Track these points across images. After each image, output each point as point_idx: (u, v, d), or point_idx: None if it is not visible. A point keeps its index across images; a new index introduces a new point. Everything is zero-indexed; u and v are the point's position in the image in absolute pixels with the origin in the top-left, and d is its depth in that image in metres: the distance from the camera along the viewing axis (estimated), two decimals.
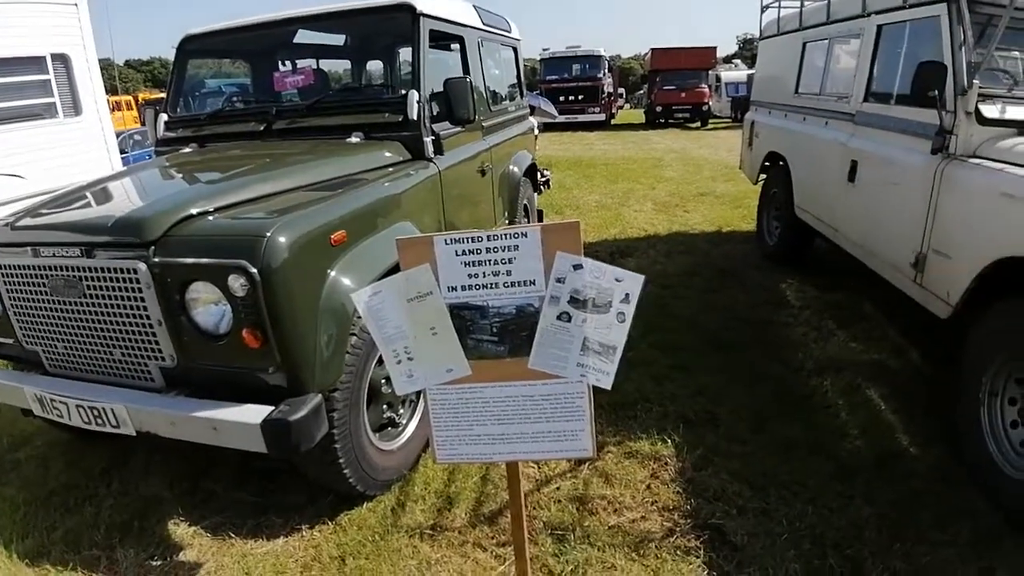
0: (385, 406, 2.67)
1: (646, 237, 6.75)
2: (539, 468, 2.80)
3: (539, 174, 5.99)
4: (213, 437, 2.08)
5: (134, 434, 2.28)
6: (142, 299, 2.14)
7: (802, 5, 5.21)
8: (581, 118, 21.81)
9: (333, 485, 2.51)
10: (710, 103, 23.53)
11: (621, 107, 32.68)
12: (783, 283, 5.04)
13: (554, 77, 22.29)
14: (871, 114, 3.81)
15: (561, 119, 19.94)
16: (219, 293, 2.03)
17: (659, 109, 23.26)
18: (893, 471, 2.68)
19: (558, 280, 1.67)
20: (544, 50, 23.54)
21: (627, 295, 1.63)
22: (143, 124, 18.28)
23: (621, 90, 35.01)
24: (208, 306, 2.10)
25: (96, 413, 2.30)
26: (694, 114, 22.98)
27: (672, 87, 22.85)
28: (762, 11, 6.09)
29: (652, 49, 24.94)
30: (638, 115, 28.56)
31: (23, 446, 3.44)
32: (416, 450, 2.85)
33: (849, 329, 4.09)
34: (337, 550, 2.42)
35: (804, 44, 5.12)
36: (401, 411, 2.79)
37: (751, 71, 25.76)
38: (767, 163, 5.81)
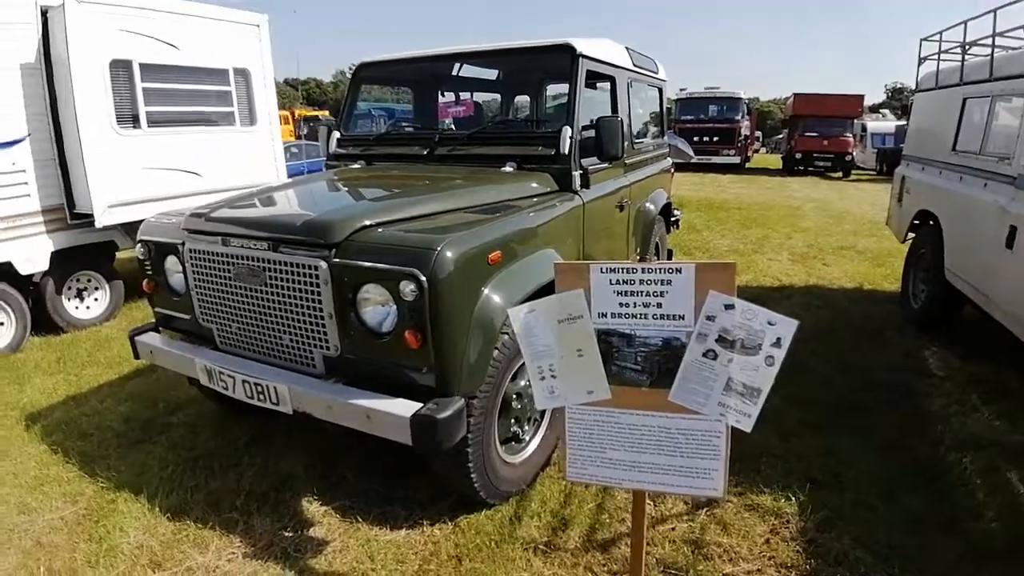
0: (513, 420, 2.80)
1: (780, 287, 6.54)
2: (655, 505, 2.82)
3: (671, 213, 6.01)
4: (365, 424, 2.28)
5: (290, 412, 2.53)
6: (319, 293, 2.40)
7: (963, 60, 4.96)
8: (715, 160, 21.43)
9: (459, 487, 2.66)
10: (854, 153, 22.37)
11: (757, 151, 31.76)
12: (926, 350, 4.74)
13: (689, 117, 22.08)
14: None
15: (694, 160, 19.71)
16: (388, 295, 2.25)
17: (799, 156, 22.40)
18: None
19: (708, 318, 1.73)
20: (681, 90, 23.41)
21: (779, 339, 1.65)
22: (298, 138, 19.92)
23: (758, 133, 34.05)
24: (376, 306, 2.33)
25: (260, 389, 2.58)
26: (836, 163, 21.91)
27: (814, 134, 21.95)
28: (919, 63, 5.84)
29: (795, 94, 24.14)
30: (775, 160, 27.63)
31: (176, 412, 3.87)
32: (535, 468, 2.96)
33: (994, 406, 3.79)
34: (455, 550, 2.55)
35: (964, 100, 4.85)
36: (526, 428, 2.91)
37: (899, 122, 24.29)
38: (917, 221, 5.51)
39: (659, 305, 1.77)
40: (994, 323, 3.92)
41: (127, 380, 4.43)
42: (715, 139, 21.69)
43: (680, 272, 1.74)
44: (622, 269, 1.79)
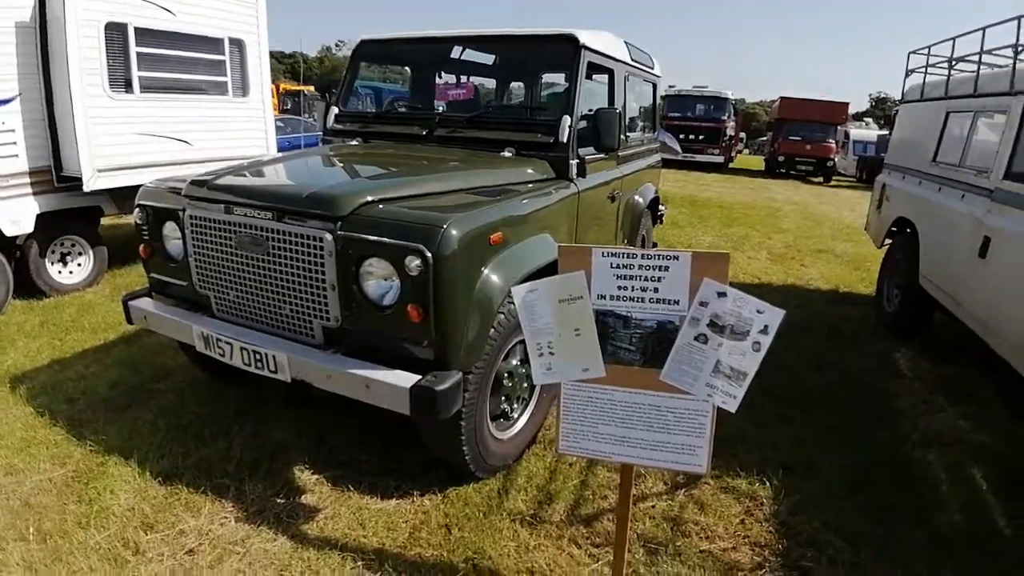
0: (503, 398, 2.89)
1: (759, 285, 6.69)
2: (636, 485, 2.92)
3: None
4: (364, 394, 2.35)
5: (288, 380, 2.58)
6: (322, 265, 2.45)
7: (949, 74, 5.12)
8: (699, 158, 21.66)
9: (450, 459, 2.74)
10: (836, 159, 22.77)
11: (740, 151, 32.10)
12: (897, 351, 4.92)
13: (676, 115, 22.24)
14: (1010, 192, 3.71)
15: (681, 157, 19.93)
16: (391, 270, 2.32)
17: (781, 159, 22.73)
18: (986, 550, 2.63)
19: (701, 303, 1.83)
20: (670, 87, 23.56)
21: (766, 327, 1.76)
22: (282, 112, 19.69)
23: (742, 134, 34.41)
24: (379, 280, 2.39)
25: (258, 357, 2.62)
26: (817, 168, 22.31)
27: (798, 138, 22.29)
28: (906, 75, 6.00)
29: (782, 97, 24.42)
30: (757, 161, 28.00)
31: (164, 379, 3.89)
32: (522, 444, 3.05)
33: (960, 407, 3.97)
34: (444, 519, 2.64)
35: (947, 113, 5.01)
36: (515, 406, 3.00)
37: (881, 131, 24.68)
38: (894, 228, 5.68)
39: (656, 290, 1.87)
40: (964, 328, 4.09)
41: (112, 346, 4.43)
42: (701, 137, 21.91)
43: (677, 259, 1.84)
44: (623, 254, 1.88)
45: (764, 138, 35.59)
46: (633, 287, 1.89)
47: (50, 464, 2.99)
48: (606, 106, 3.78)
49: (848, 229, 10.62)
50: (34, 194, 5.19)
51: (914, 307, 5.08)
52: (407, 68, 5.06)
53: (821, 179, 22.29)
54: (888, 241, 5.87)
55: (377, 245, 2.32)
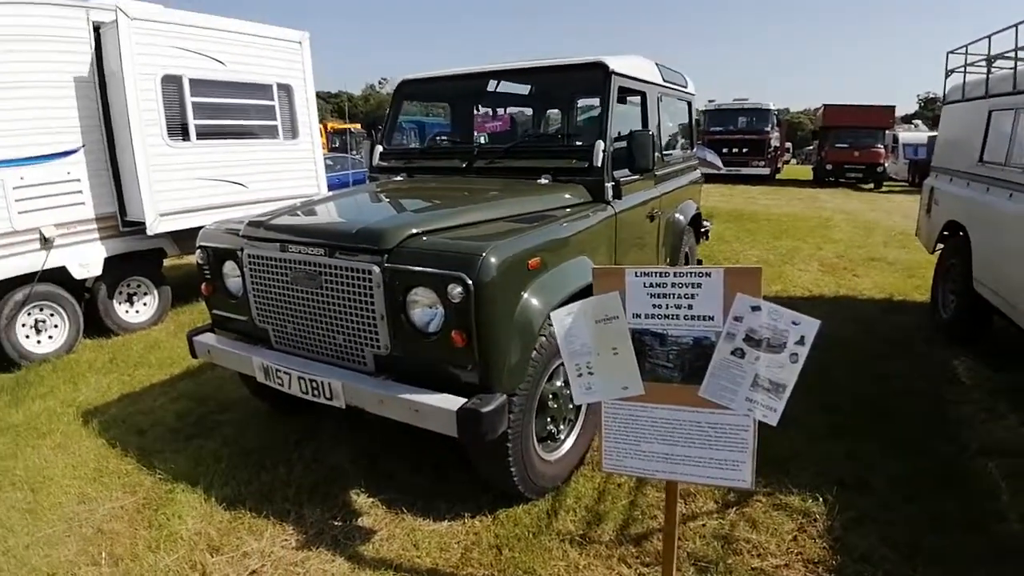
0: (549, 420, 2.94)
1: (810, 298, 6.58)
2: (686, 504, 2.92)
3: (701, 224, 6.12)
4: (413, 417, 2.45)
5: (343, 407, 2.70)
6: (371, 296, 2.58)
7: (988, 72, 5.02)
8: (744, 171, 21.39)
9: (498, 481, 2.80)
10: (885, 164, 22.14)
11: (787, 162, 31.56)
12: (955, 359, 4.77)
13: (718, 129, 22.06)
14: None
15: (723, 171, 19.73)
16: (435, 298, 2.43)
17: (829, 167, 22.24)
18: None
19: (736, 318, 1.86)
20: (710, 101, 23.40)
21: (802, 338, 1.78)
22: (330, 150, 20.34)
23: (788, 144, 33.84)
24: (424, 308, 2.50)
25: (315, 385, 2.76)
26: (867, 175, 21.70)
27: (845, 145, 21.78)
28: (947, 75, 5.89)
29: (825, 105, 23.98)
30: (805, 171, 27.46)
31: (226, 411, 4.07)
32: (570, 466, 3.09)
33: (1022, 413, 3.83)
34: (495, 540, 2.70)
35: (990, 112, 4.90)
36: (562, 427, 3.05)
37: (932, 133, 23.94)
38: (946, 232, 5.54)
39: (690, 307, 1.91)
40: (1022, 332, 3.96)
41: (177, 380, 4.66)
42: (744, 150, 21.63)
43: (710, 276, 1.88)
44: (655, 273, 1.94)
45: (811, 147, 34.91)
46: (667, 305, 1.93)
47: (121, 492, 3.17)
48: (640, 128, 3.84)
49: (901, 236, 10.32)
50: (101, 239, 5.54)
51: (970, 313, 4.93)
52: (447, 103, 5.23)
53: (872, 186, 21.68)
54: (940, 246, 5.72)
55: (421, 275, 2.43)
